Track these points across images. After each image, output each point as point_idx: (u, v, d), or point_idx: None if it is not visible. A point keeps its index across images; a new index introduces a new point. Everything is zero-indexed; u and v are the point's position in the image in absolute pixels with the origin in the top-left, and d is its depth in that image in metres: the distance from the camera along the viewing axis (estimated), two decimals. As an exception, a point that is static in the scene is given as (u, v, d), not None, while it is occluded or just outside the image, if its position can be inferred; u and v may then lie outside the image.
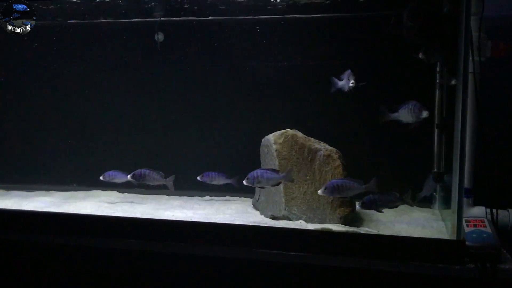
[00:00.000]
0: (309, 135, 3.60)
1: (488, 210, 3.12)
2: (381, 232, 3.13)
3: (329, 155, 3.42)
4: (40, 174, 4.61)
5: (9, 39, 4.14)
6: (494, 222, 3.00)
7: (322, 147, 3.47)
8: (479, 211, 3.28)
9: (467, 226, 2.88)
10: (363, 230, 3.17)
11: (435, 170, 3.71)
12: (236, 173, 3.70)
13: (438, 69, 3.66)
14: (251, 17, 4.22)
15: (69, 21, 4.61)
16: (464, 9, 2.78)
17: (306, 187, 3.45)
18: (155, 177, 3.77)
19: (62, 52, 4.63)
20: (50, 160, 4.66)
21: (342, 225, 3.26)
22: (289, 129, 3.62)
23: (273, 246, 2.96)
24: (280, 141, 3.56)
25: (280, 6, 4.08)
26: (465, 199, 3.13)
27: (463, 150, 2.80)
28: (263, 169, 3.36)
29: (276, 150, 3.54)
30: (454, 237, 2.80)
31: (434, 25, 3.24)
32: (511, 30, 3.64)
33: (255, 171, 3.26)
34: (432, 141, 3.74)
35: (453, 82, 2.97)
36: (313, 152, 3.47)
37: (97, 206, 3.95)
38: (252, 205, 3.95)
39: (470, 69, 2.99)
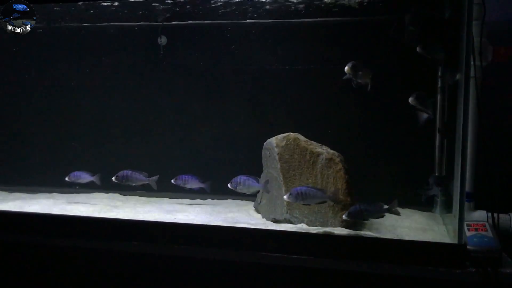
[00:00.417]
0: (311, 139, 3.62)
1: (489, 214, 3.12)
2: (383, 236, 3.14)
3: (331, 159, 3.43)
4: (42, 176, 4.62)
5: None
6: (495, 226, 3.01)
7: (324, 151, 3.49)
8: (480, 215, 3.29)
9: (468, 230, 2.89)
10: (365, 233, 3.19)
11: (436, 174, 3.73)
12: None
13: (439, 74, 3.68)
14: (252, 21, 4.24)
15: (71, 24, 4.64)
16: (466, 14, 2.80)
17: (308, 190, 3.46)
18: (138, 178, 3.83)
19: (66, 55, 4.66)
20: (53, 162, 4.68)
21: (344, 228, 3.26)
22: (291, 133, 3.63)
23: (275, 249, 2.97)
24: (282, 144, 3.57)
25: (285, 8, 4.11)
26: (466, 203, 3.14)
27: (465, 154, 2.82)
28: (247, 176, 3.44)
29: (278, 154, 3.55)
30: (455, 241, 2.82)
31: (436, 30, 3.25)
32: (512, 35, 3.67)
33: (238, 177, 3.39)
34: (434, 145, 3.75)
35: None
36: (315, 155, 3.48)
37: (99, 208, 3.96)
38: (253, 208, 3.96)
39: (472, 74, 3.00)
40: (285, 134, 3.63)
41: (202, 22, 4.37)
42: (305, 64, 4.21)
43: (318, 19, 4.12)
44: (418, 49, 3.22)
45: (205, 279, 3.11)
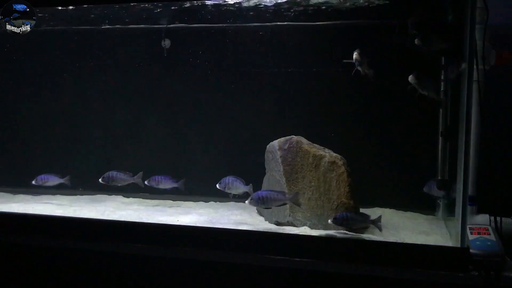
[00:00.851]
0: (314, 142, 3.62)
1: (492, 217, 3.12)
2: (385, 239, 3.14)
3: (333, 162, 3.43)
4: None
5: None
6: (498, 230, 3.01)
7: (326, 154, 3.49)
8: (483, 218, 3.28)
9: (471, 233, 2.88)
10: (367, 236, 3.19)
11: (439, 177, 3.73)
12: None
13: (442, 77, 3.68)
14: (257, 24, 4.25)
15: (74, 27, 4.66)
16: (469, 18, 2.81)
17: (310, 193, 3.46)
18: (123, 178, 3.93)
19: (73, 57, 4.69)
20: (57, 164, 4.69)
21: (347, 231, 3.26)
22: (294, 136, 3.64)
23: (278, 252, 2.97)
24: (285, 147, 3.58)
25: (291, 12, 4.11)
26: (469, 207, 3.14)
27: (467, 158, 2.82)
28: (235, 177, 3.54)
29: (281, 156, 3.56)
30: (458, 245, 2.81)
31: (438, 34, 3.25)
32: (515, 39, 3.66)
33: (227, 178, 3.51)
34: (437, 148, 3.75)
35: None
36: (318, 158, 3.48)
37: (103, 210, 3.97)
38: (256, 211, 3.96)
39: (475, 78, 3.00)
40: (287, 137, 3.64)
41: (205, 25, 4.38)
42: (308, 66, 4.21)
43: (321, 22, 4.13)
44: (416, 41, 3.23)
45: (208, 282, 3.12)
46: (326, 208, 3.39)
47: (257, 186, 3.88)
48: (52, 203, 4.25)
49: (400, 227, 3.48)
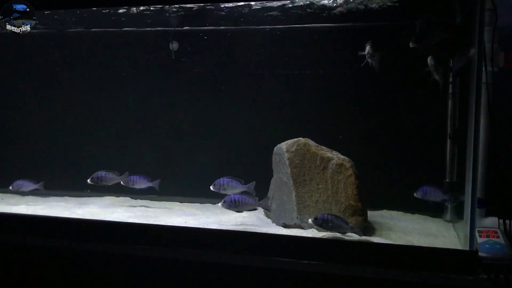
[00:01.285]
0: (321, 144, 3.62)
1: (501, 220, 3.10)
2: (393, 242, 3.13)
3: (341, 164, 3.43)
4: (55, 179, 4.66)
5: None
6: (507, 232, 2.99)
7: (334, 156, 3.49)
8: (492, 221, 3.26)
9: (480, 236, 2.87)
10: (375, 239, 3.18)
11: (447, 180, 3.71)
12: (248, 181, 3.70)
13: (450, 80, 3.67)
14: (264, 27, 4.26)
15: (81, 30, 4.69)
16: (478, 20, 2.79)
17: (318, 195, 3.46)
18: (111, 177, 4.01)
19: (81, 59, 4.73)
20: (65, 166, 4.73)
21: (354, 234, 3.25)
22: (301, 138, 3.64)
23: (285, 254, 2.97)
24: (293, 149, 3.58)
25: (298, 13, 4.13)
26: (477, 210, 3.12)
27: (476, 160, 2.80)
28: (231, 177, 3.57)
29: (288, 159, 3.56)
30: (466, 248, 2.80)
31: (447, 36, 3.25)
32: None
33: (221, 179, 3.54)
34: (444, 151, 3.74)
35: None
36: (326, 161, 3.48)
37: (111, 212, 4.00)
38: (264, 213, 3.96)
39: (483, 80, 2.99)
40: (295, 139, 3.64)
41: (211, 27, 4.40)
42: (316, 69, 4.22)
43: (327, 24, 4.13)
44: (428, 61, 3.36)
45: (214, 284, 3.13)
46: (334, 211, 3.38)
47: (265, 189, 3.90)
48: (60, 205, 4.30)
49: (408, 230, 3.47)
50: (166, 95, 4.61)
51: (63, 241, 3.36)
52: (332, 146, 3.63)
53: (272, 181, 3.91)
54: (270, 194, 3.91)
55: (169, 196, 4.42)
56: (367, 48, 3.50)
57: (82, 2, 3.73)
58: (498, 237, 2.88)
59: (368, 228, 3.45)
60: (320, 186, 3.46)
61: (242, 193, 3.54)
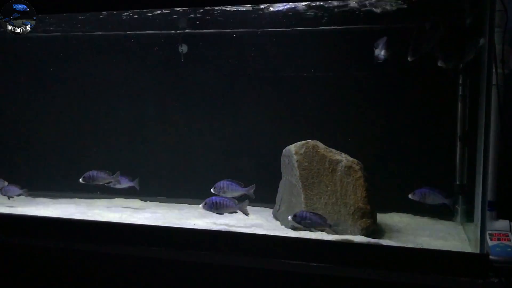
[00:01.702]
0: (330, 146, 3.61)
1: (512, 223, 3.07)
2: (403, 245, 3.12)
3: (350, 167, 3.42)
4: (65, 181, 4.70)
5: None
6: (518, 236, 2.96)
7: (343, 158, 3.48)
8: (502, 224, 3.23)
9: (491, 239, 2.85)
10: (385, 241, 3.16)
11: (457, 182, 3.69)
12: (256, 183, 3.70)
13: (460, 81, 3.64)
14: (272, 29, 4.27)
15: (88, 33, 4.73)
16: (488, 21, 2.78)
17: (327, 198, 3.46)
18: (103, 177, 4.04)
19: (91, 62, 4.76)
20: (75, 168, 4.75)
21: (363, 236, 3.25)
22: (310, 140, 3.63)
23: (294, 256, 2.96)
24: (301, 152, 3.58)
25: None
26: (488, 212, 3.09)
27: (486, 162, 2.79)
28: (230, 180, 3.59)
29: (297, 161, 3.56)
30: (477, 251, 2.78)
31: (457, 37, 3.24)
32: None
33: (221, 182, 3.57)
34: (455, 153, 3.71)
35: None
36: (334, 163, 3.48)
37: (120, 214, 4.01)
38: (272, 215, 3.96)
39: (494, 82, 2.97)
40: (304, 142, 3.63)
41: (220, 30, 4.41)
42: (325, 71, 4.21)
43: (337, 27, 4.12)
44: (439, 63, 3.35)
45: (222, 286, 3.13)
46: (342, 213, 3.37)
47: (275, 190, 3.90)
48: (69, 206, 4.33)
49: (418, 233, 3.45)
50: (177, 98, 4.64)
51: (63, 241, 3.39)
52: (341, 149, 3.61)
53: (281, 183, 3.91)
54: (278, 196, 3.91)
55: (178, 198, 4.43)
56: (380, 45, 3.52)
57: (85, 6, 3.75)
58: (509, 240, 2.85)
59: (377, 230, 3.43)
60: (329, 188, 3.45)
61: (242, 196, 3.56)
